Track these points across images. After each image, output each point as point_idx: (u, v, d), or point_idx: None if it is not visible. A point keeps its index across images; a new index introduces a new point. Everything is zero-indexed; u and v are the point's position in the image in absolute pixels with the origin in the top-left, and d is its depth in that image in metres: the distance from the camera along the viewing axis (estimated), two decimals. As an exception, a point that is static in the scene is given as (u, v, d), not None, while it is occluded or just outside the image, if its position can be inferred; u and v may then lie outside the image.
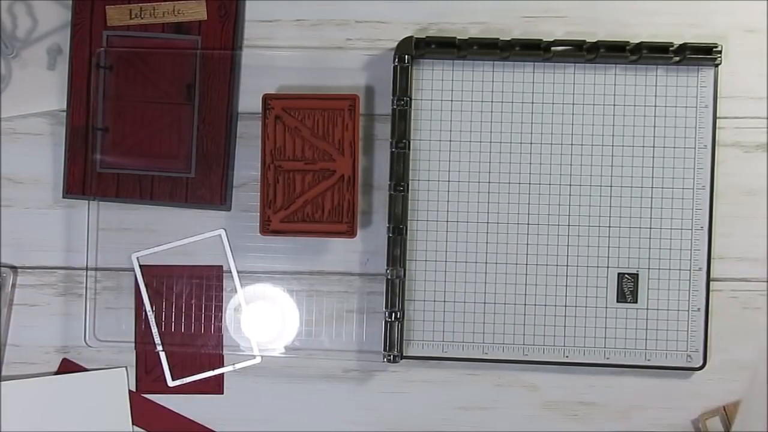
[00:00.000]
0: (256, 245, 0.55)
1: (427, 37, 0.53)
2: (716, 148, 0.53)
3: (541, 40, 0.52)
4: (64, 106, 0.56)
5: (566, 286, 0.54)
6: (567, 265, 0.54)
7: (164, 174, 0.55)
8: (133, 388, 0.56)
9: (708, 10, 0.54)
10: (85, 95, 0.55)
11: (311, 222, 0.53)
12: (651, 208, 0.53)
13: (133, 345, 0.56)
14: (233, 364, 0.55)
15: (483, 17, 0.55)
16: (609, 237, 0.53)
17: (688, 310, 0.53)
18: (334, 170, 0.53)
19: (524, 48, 0.52)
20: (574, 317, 0.54)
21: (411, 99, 0.53)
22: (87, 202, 0.56)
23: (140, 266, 0.56)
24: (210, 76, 0.55)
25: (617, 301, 0.54)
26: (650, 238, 0.53)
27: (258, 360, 0.55)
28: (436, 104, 0.54)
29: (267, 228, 0.53)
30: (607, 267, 0.54)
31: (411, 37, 0.53)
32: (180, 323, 0.55)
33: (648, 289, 0.53)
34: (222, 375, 0.56)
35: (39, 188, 0.56)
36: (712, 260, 0.53)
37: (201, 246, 0.56)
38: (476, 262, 0.54)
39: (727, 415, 0.53)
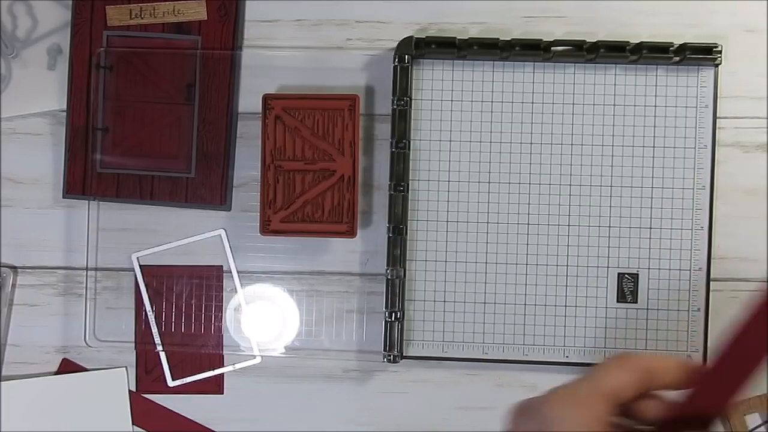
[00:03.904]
0: (256, 245, 0.55)
1: (427, 37, 0.53)
2: (716, 148, 0.53)
3: (541, 40, 0.52)
4: (64, 106, 0.56)
5: (566, 286, 0.54)
6: (567, 265, 0.54)
7: (164, 174, 0.55)
8: (133, 388, 0.56)
9: (708, 10, 0.54)
10: (85, 95, 0.55)
11: (311, 222, 0.53)
12: (651, 208, 0.53)
13: (133, 345, 0.56)
14: (233, 364, 0.55)
15: (483, 17, 0.55)
16: (609, 237, 0.53)
17: (688, 310, 0.53)
18: (334, 170, 0.53)
19: (524, 48, 0.52)
20: (574, 317, 0.54)
21: (411, 99, 0.53)
22: (87, 202, 0.56)
23: (140, 266, 0.56)
24: (210, 76, 0.55)
25: (617, 301, 0.54)
26: (650, 238, 0.53)
27: (258, 360, 0.55)
28: (436, 104, 0.54)
29: (267, 228, 0.53)
30: (607, 267, 0.54)
31: (411, 37, 0.53)
32: (180, 323, 0.55)
33: (648, 289, 0.53)
34: (222, 375, 0.56)
35: (39, 188, 0.56)
36: (712, 260, 0.53)
37: (201, 246, 0.56)
38: (476, 262, 0.54)
39: (727, 415, 0.53)
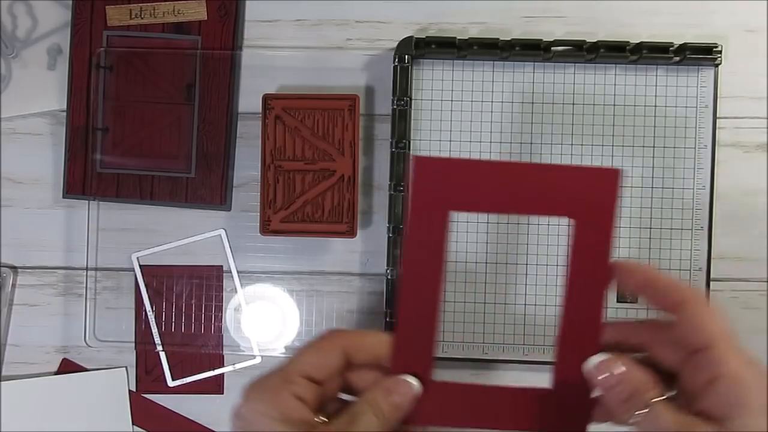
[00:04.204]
0: (256, 245, 0.55)
1: (427, 37, 0.53)
2: (716, 148, 0.53)
3: (541, 40, 0.52)
4: (64, 106, 0.56)
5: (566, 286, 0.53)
6: (567, 265, 0.53)
7: (164, 174, 0.55)
8: (133, 388, 0.56)
9: (708, 10, 0.54)
10: (85, 95, 0.55)
11: (311, 222, 0.53)
12: (651, 208, 0.53)
13: (133, 345, 0.56)
14: (233, 364, 0.55)
15: (483, 17, 0.55)
16: (609, 237, 0.53)
17: (688, 310, 0.53)
18: (334, 170, 0.53)
19: (524, 48, 0.52)
20: (574, 317, 0.54)
21: (411, 99, 0.53)
22: (87, 202, 0.56)
23: (140, 266, 0.56)
24: (210, 76, 0.55)
25: (617, 301, 0.54)
26: (650, 238, 0.53)
27: (258, 360, 0.55)
28: (436, 104, 0.54)
29: (267, 228, 0.53)
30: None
31: (411, 37, 0.53)
32: (180, 323, 0.55)
33: (648, 289, 0.53)
34: (222, 375, 0.55)
35: (39, 188, 0.56)
36: (712, 260, 0.53)
37: (201, 246, 0.56)
38: (476, 262, 0.54)
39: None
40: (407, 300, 0.37)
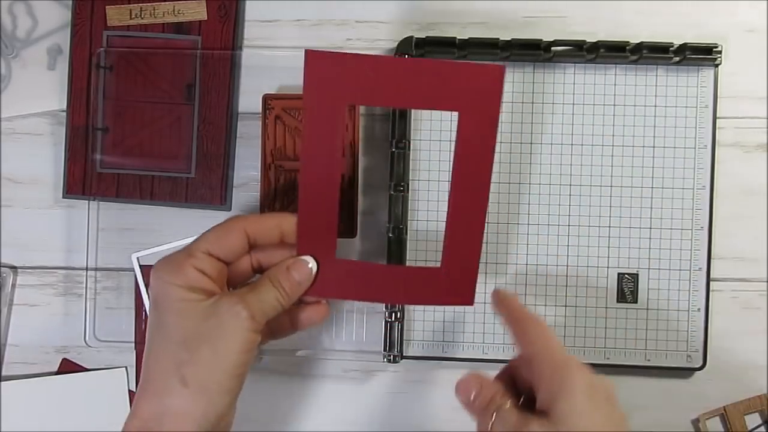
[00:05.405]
0: (256, 245, 0.55)
1: (427, 37, 0.53)
2: (716, 148, 0.53)
3: (541, 40, 0.52)
4: (64, 106, 0.56)
5: (566, 286, 0.54)
6: (567, 266, 0.54)
7: (164, 174, 0.55)
8: (133, 388, 0.56)
9: (708, 10, 0.54)
10: (85, 95, 0.55)
11: (311, 222, 0.53)
12: (651, 208, 0.53)
13: (133, 345, 0.56)
14: (233, 364, 0.55)
15: (483, 17, 0.55)
16: (609, 237, 0.53)
17: (688, 310, 0.53)
18: (334, 170, 0.53)
19: (524, 48, 0.52)
20: (574, 317, 0.54)
21: (411, 99, 0.53)
22: (87, 202, 0.56)
23: (140, 266, 0.56)
24: (210, 76, 0.55)
25: (617, 301, 0.54)
26: (650, 238, 0.53)
27: (258, 360, 0.55)
28: (436, 104, 0.54)
29: (267, 228, 0.53)
30: (607, 267, 0.54)
31: (411, 37, 0.53)
32: (180, 323, 0.55)
33: (648, 289, 0.53)
34: (222, 375, 0.55)
35: (39, 188, 0.56)
36: (712, 260, 0.53)
37: (201, 246, 0.56)
38: (476, 262, 0.54)
39: (727, 415, 0.53)
40: (307, 188, 0.40)
